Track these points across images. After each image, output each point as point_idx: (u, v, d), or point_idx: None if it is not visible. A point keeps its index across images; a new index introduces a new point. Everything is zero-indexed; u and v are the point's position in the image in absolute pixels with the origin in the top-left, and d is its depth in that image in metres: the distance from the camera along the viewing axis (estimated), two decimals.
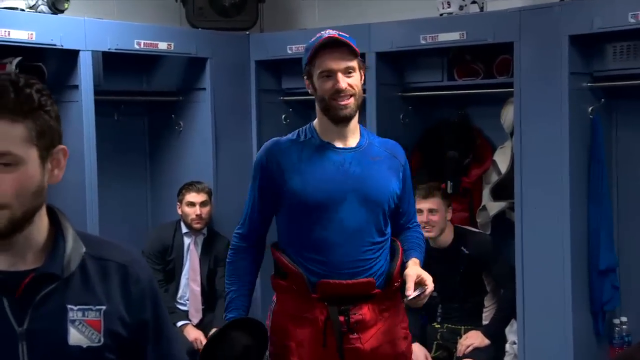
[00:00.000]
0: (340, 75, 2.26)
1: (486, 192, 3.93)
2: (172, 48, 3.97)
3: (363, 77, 2.35)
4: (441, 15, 3.77)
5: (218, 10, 4.46)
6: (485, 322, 3.72)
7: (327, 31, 2.34)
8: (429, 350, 3.70)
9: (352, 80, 2.29)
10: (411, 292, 2.23)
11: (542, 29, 3.37)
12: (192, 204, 3.99)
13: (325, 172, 2.31)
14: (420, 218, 3.61)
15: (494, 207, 3.88)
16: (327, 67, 2.27)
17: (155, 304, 1.46)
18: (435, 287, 3.79)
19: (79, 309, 1.35)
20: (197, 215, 3.98)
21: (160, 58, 4.20)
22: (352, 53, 2.29)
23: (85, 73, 3.61)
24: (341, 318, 2.28)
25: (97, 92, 3.69)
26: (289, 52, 4.12)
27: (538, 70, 3.39)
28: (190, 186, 4.03)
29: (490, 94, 3.80)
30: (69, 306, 1.34)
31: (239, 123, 4.29)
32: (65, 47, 3.55)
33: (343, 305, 2.29)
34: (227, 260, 2.47)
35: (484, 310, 3.75)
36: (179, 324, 3.92)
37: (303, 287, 2.31)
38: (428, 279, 2.29)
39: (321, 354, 2.30)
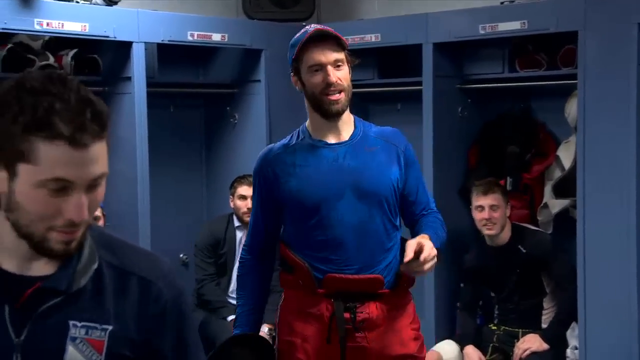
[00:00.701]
0: (330, 68, 2.20)
1: (548, 189, 3.79)
2: (225, 39, 3.95)
3: (350, 71, 2.28)
4: (502, 3, 3.66)
5: (275, 1, 4.43)
6: (544, 325, 3.60)
7: (311, 25, 2.29)
8: (484, 353, 3.61)
9: (341, 73, 2.22)
10: (407, 259, 2.10)
11: (609, 17, 3.23)
12: (243, 197, 3.96)
13: (320, 171, 2.26)
14: (481, 215, 3.53)
15: (556, 204, 3.74)
16: (316, 60, 2.21)
17: (179, 329, 1.32)
18: (490, 286, 3.72)
19: (82, 326, 1.24)
20: (248, 208, 3.93)
21: (216, 50, 4.20)
22: (339, 45, 2.23)
23: (138, 65, 3.63)
24: (347, 315, 2.24)
25: (152, 84, 3.72)
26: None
27: (604, 61, 3.25)
28: (242, 179, 4.00)
29: (553, 85, 3.68)
30: (72, 322, 1.24)
31: (294, 115, 4.19)
32: (119, 38, 3.57)
33: (349, 302, 2.25)
34: (237, 273, 2.47)
35: (543, 312, 3.63)
36: (229, 318, 3.90)
37: (309, 282, 2.27)
38: (427, 247, 2.13)
39: (326, 350, 2.26)
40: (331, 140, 2.29)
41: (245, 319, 2.38)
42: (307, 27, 2.27)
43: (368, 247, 2.26)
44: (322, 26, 2.28)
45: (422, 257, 2.09)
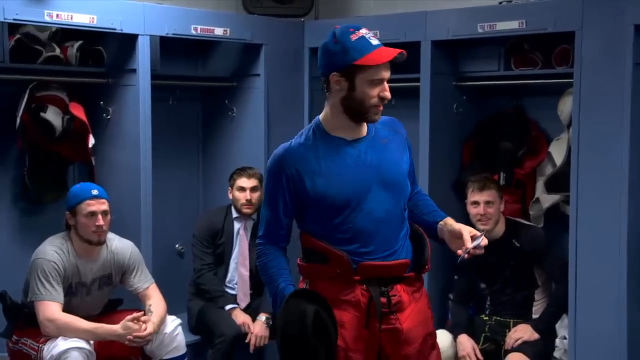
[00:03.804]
0: (386, 85, 2.32)
1: (540, 185, 3.89)
2: (227, 34, 4.00)
3: None
4: (500, 3, 3.72)
5: None
6: (535, 316, 3.69)
7: (364, 31, 2.32)
8: (477, 342, 3.68)
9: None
10: (469, 245, 2.31)
11: (606, 18, 3.29)
12: (242, 189, 4.02)
13: (346, 168, 2.34)
14: (476, 210, 3.62)
15: (547, 199, 3.84)
16: (381, 76, 2.30)
17: None
18: (484, 278, 3.82)
19: None
20: (247, 200, 4.00)
21: (216, 44, 4.24)
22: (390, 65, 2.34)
23: (143, 57, 3.67)
24: (383, 299, 2.34)
25: (153, 77, 3.75)
26: None
27: (600, 61, 3.32)
28: (241, 171, 4.05)
29: (547, 84, 3.75)
30: None
31: (292, 110, 4.31)
32: (125, 31, 3.60)
33: (382, 287, 2.35)
34: (260, 262, 2.47)
35: (534, 303, 3.71)
36: (227, 307, 3.97)
37: (348, 270, 2.34)
38: (475, 231, 2.37)
39: (362, 334, 2.34)
40: (350, 137, 2.38)
41: (287, 278, 2.39)
42: (362, 32, 2.30)
43: (392, 234, 2.38)
44: (374, 35, 2.34)
45: (483, 243, 2.34)
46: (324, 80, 2.38)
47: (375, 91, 2.30)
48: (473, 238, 2.34)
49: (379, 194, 2.35)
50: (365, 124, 2.41)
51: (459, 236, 2.37)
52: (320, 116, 2.44)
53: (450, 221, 2.46)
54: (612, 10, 3.27)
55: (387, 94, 2.32)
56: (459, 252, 2.36)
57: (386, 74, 2.31)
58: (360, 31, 2.31)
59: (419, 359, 2.42)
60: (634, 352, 3.33)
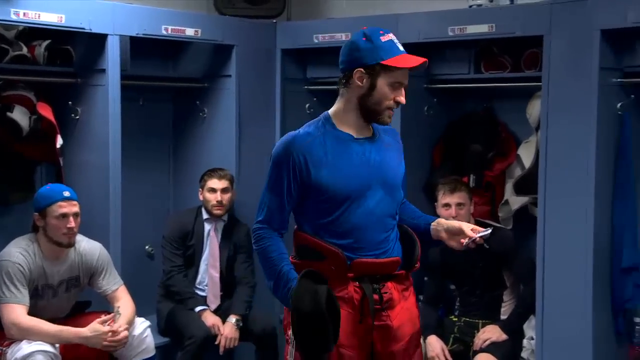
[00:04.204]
0: (403, 90, 2.42)
1: (509, 187, 3.93)
2: (199, 34, 3.99)
3: None
4: (470, 7, 3.76)
5: None
6: (503, 317, 3.72)
7: (393, 36, 2.42)
8: (446, 343, 3.71)
9: None
10: (473, 234, 2.50)
11: (574, 23, 3.34)
12: (213, 190, 4.00)
13: (351, 164, 2.41)
14: (448, 212, 3.65)
15: (516, 201, 3.88)
16: (403, 80, 2.41)
17: None
18: (453, 280, 3.85)
19: None
20: (218, 201, 3.99)
21: (187, 44, 4.22)
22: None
23: (113, 57, 3.64)
24: (375, 296, 2.40)
25: (123, 77, 3.72)
26: (315, 41, 4.13)
27: (567, 64, 3.37)
28: (212, 172, 4.04)
29: (516, 87, 3.80)
30: None
31: (263, 111, 4.31)
32: (94, 31, 3.58)
33: (374, 284, 2.42)
34: (261, 245, 2.46)
35: (503, 305, 3.75)
36: (197, 309, 3.95)
37: (342, 266, 2.40)
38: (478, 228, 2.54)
39: (356, 330, 2.40)
40: (357, 134, 2.45)
41: (289, 262, 2.43)
42: (391, 36, 2.40)
43: (384, 233, 2.45)
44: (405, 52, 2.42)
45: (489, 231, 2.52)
46: (343, 76, 2.44)
47: (393, 94, 2.39)
48: (474, 231, 2.51)
49: (378, 193, 2.43)
50: (370, 126, 2.48)
51: (458, 232, 2.51)
52: (330, 111, 2.50)
53: (443, 221, 2.60)
54: (579, 16, 3.32)
55: (403, 99, 2.42)
56: (462, 241, 2.51)
57: (406, 81, 2.42)
58: (389, 35, 2.41)
59: (404, 356, 2.48)
60: (598, 352, 3.38)
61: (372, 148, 2.45)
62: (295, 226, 2.53)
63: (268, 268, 2.44)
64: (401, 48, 2.40)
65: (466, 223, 2.58)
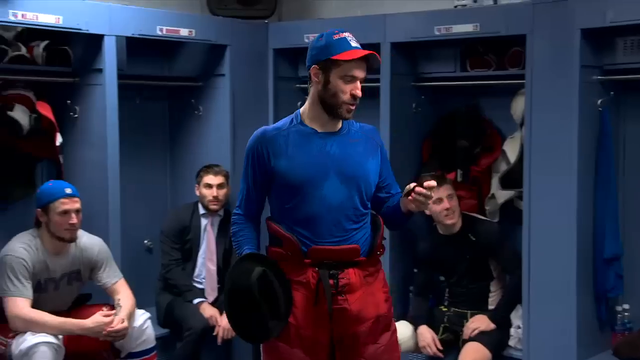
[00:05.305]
0: (358, 84, 2.50)
1: (495, 181, 4.01)
2: (193, 35, 4.08)
3: None
4: (455, 7, 3.85)
5: None
6: (491, 307, 3.82)
7: (347, 35, 2.50)
8: (436, 333, 3.81)
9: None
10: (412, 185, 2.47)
11: (555, 22, 3.44)
12: (209, 186, 4.10)
13: (309, 155, 2.54)
14: (442, 206, 3.73)
15: (502, 195, 3.97)
16: (354, 73, 2.48)
17: None
18: (442, 271, 3.95)
19: None
20: (214, 197, 4.09)
21: (182, 44, 4.31)
22: (366, 67, 2.51)
23: (109, 57, 3.73)
24: (331, 281, 2.51)
25: (120, 77, 3.81)
26: (306, 41, 4.20)
27: (549, 62, 3.46)
28: (208, 169, 4.14)
29: (501, 85, 3.88)
30: None
31: (256, 109, 4.40)
32: (91, 31, 3.66)
33: (332, 270, 2.52)
34: (232, 230, 2.66)
35: (490, 295, 3.85)
36: (195, 301, 4.05)
37: (297, 252, 2.53)
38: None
39: (313, 313, 2.53)
40: (322, 129, 2.57)
41: (252, 245, 2.59)
42: (345, 34, 2.49)
43: (344, 223, 2.55)
44: (352, 37, 2.50)
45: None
46: (308, 75, 2.56)
47: (347, 88, 2.48)
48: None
49: (335, 183, 2.53)
50: (340, 122, 2.59)
51: (407, 193, 2.51)
52: (301, 108, 2.62)
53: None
54: (560, 15, 3.41)
55: (358, 92, 2.49)
56: (412, 196, 2.47)
57: (359, 73, 2.49)
58: (344, 33, 2.51)
59: (367, 337, 2.58)
60: (582, 339, 3.48)
61: (335, 141, 2.55)
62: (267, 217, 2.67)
63: (235, 249, 2.64)
64: (354, 44, 2.48)
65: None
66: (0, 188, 3.84)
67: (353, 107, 2.52)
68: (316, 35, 2.56)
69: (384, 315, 2.63)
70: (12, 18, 3.37)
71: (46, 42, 3.77)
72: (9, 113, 3.69)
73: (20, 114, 3.71)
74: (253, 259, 2.50)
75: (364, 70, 2.50)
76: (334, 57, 2.46)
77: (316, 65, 2.50)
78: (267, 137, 2.56)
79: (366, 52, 2.48)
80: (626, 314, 3.65)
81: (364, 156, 2.61)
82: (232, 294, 2.44)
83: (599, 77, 3.49)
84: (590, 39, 3.39)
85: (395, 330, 2.71)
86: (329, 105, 2.52)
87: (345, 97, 2.49)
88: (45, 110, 3.75)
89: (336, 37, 2.49)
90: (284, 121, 2.62)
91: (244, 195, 2.65)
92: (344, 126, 2.60)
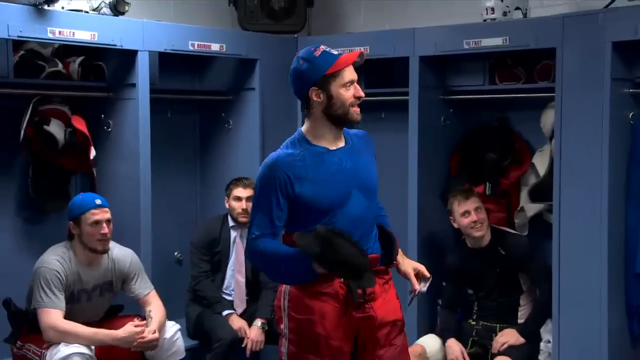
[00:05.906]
0: (357, 85, 2.59)
1: (524, 194, 4.01)
2: (224, 49, 4.14)
3: None
4: (484, 20, 3.85)
5: (268, 13, 4.63)
6: (520, 321, 3.80)
7: (324, 47, 2.57)
8: (465, 346, 3.80)
9: None
10: (417, 287, 2.73)
11: (585, 36, 3.43)
12: (238, 199, 4.14)
13: (330, 176, 2.58)
14: (469, 219, 3.75)
15: (531, 208, 3.96)
16: (352, 77, 2.57)
17: None
18: (471, 285, 3.94)
19: None
20: (243, 209, 4.12)
21: (212, 59, 4.38)
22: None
23: (143, 72, 3.80)
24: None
25: (152, 91, 3.87)
26: None
27: (580, 75, 3.45)
28: (237, 181, 4.17)
29: (530, 98, 3.87)
30: None
31: (285, 122, 4.43)
32: (125, 47, 3.73)
33: None
34: (253, 258, 2.65)
35: (520, 309, 3.83)
36: (224, 313, 4.08)
37: None
38: (422, 268, 2.77)
39: (340, 322, 2.57)
40: (331, 146, 2.62)
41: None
42: (322, 47, 2.56)
43: (366, 234, 2.62)
44: (327, 47, 2.58)
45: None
46: (303, 101, 2.61)
47: (349, 93, 2.56)
48: (418, 276, 2.75)
49: (358, 197, 2.61)
50: (343, 136, 2.65)
51: (404, 276, 2.75)
52: (303, 128, 2.66)
53: (398, 259, 2.75)
54: (590, 28, 3.40)
55: (361, 93, 2.58)
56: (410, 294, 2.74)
57: (354, 76, 2.58)
58: (321, 47, 2.57)
59: (386, 340, 2.65)
60: (613, 354, 3.45)
61: (347, 157, 2.61)
62: (283, 232, 2.67)
63: (270, 262, 2.59)
64: (335, 52, 2.56)
65: (411, 271, 2.75)
66: (36, 201, 3.91)
67: (359, 109, 2.59)
68: (346, 49, 2.64)
69: (400, 320, 2.72)
70: (50, 35, 3.45)
71: (82, 57, 3.85)
72: (46, 127, 3.76)
73: (56, 128, 3.79)
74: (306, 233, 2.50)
75: (354, 71, 2.58)
76: (329, 72, 2.52)
77: (314, 87, 2.54)
78: (284, 162, 2.56)
79: (356, 53, 2.56)
80: None
81: (371, 164, 2.71)
82: (322, 243, 2.43)
83: (630, 90, 3.47)
84: (621, 52, 3.38)
85: (405, 335, 2.79)
86: (339, 117, 2.57)
87: (351, 102, 2.56)
88: (79, 124, 3.82)
89: (317, 53, 2.54)
90: (290, 144, 2.62)
91: (260, 225, 2.55)
92: (347, 138, 2.67)
